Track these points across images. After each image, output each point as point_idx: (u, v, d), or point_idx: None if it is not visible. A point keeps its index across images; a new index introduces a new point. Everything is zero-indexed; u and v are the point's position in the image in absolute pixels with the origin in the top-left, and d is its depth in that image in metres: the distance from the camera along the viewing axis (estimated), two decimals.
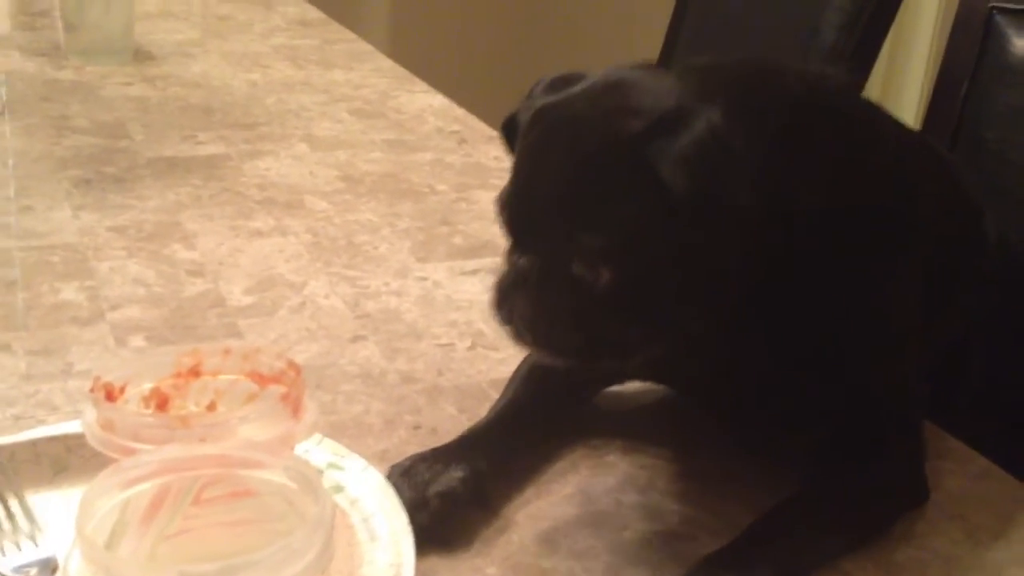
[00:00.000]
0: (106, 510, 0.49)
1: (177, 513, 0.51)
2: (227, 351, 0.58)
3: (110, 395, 0.55)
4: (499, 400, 0.71)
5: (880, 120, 0.69)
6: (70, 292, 0.85)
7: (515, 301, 0.59)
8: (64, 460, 0.60)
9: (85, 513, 0.47)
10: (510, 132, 0.63)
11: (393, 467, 0.63)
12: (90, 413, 0.53)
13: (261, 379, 0.57)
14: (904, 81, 2.37)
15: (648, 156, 0.53)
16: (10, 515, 0.56)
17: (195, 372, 0.58)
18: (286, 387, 0.55)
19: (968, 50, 1.11)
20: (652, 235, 0.55)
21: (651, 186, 0.53)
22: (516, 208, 0.59)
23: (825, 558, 0.59)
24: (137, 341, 0.79)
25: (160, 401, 0.57)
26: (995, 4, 1.08)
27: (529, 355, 0.72)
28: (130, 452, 0.51)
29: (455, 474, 0.61)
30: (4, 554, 0.54)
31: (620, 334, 0.58)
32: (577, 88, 0.60)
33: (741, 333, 0.60)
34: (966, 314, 0.76)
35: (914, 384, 0.67)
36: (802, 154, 0.58)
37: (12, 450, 0.60)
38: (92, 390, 0.54)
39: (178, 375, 0.57)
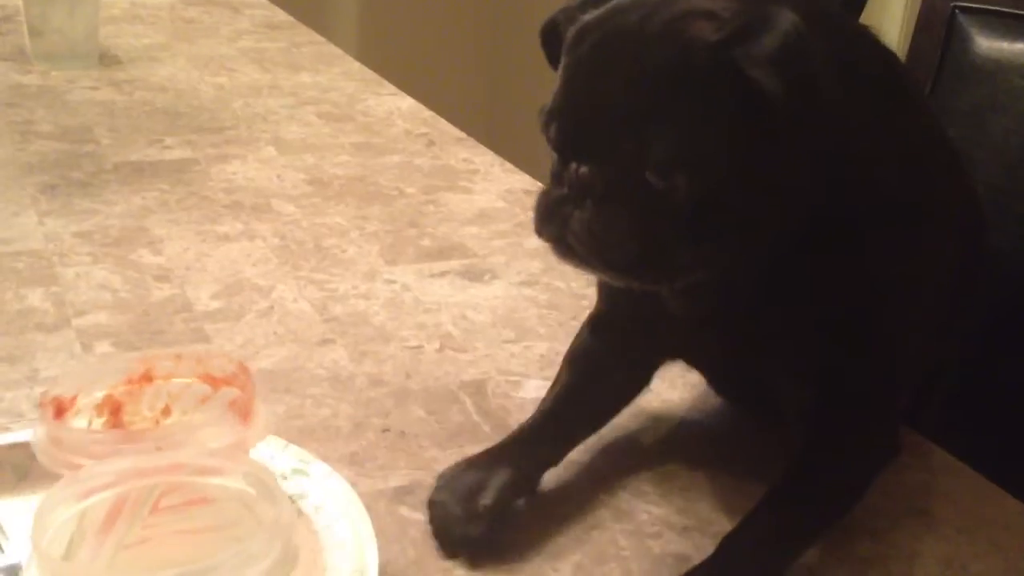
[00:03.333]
0: (63, 520, 0.48)
1: (135, 522, 0.50)
2: (179, 355, 0.57)
3: (61, 408, 0.54)
4: (544, 400, 0.69)
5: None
6: (35, 298, 0.84)
7: (571, 214, 0.56)
8: (27, 467, 0.60)
9: (41, 525, 0.46)
10: (550, 39, 0.60)
11: (439, 475, 0.62)
12: (40, 430, 0.53)
13: (214, 381, 0.56)
14: None
15: (734, 60, 0.52)
16: None
17: (147, 377, 0.57)
18: (238, 389, 0.55)
19: (931, 50, 1.12)
20: (732, 141, 0.54)
21: (736, 91, 0.52)
22: (573, 119, 0.56)
23: (809, 543, 0.60)
24: (104, 347, 0.78)
25: (113, 408, 0.56)
26: (957, 3, 1.09)
27: (568, 353, 0.71)
28: (78, 468, 0.51)
29: (499, 478, 0.61)
30: None
31: (683, 249, 0.56)
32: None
33: (783, 273, 0.60)
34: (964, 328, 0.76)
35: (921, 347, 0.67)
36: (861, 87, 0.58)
37: None
38: (41, 405, 0.54)
39: (130, 381, 0.56)
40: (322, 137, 1.27)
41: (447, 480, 0.62)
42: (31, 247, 0.93)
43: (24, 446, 0.59)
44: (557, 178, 0.58)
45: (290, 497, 0.57)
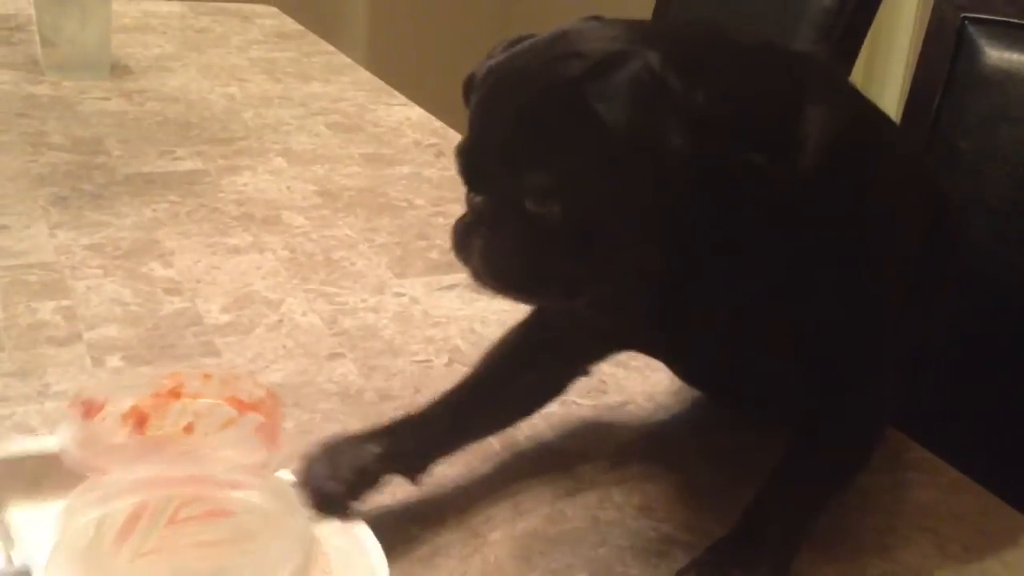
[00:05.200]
0: (79, 526, 0.49)
1: (153, 532, 0.51)
2: (207, 375, 0.58)
3: (89, 412, 0.56)
4: (453, 385, 0.70)
5: (845, 87, 0.69)
6: (47, 312, 0.85)
7: (473, 240, 0.61)
8: (40, 476, 0.60)
9: (65, 526, 0.47)
10: (468, 90, 0.65)
11: (314, 444, 0.64)
12: (67, 430, 0.54)
13: (240, 405, 0.57)
14: (881, 91, 2.39)
15: (586, 95, 0.56)
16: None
17: (175, 394, 0.58)
18: (263, 416, 0.55)
19: (941, 60, 1.12)
20: (595, 172, 0.57)
21: (591, 125, 0.56)
22: (470, 156, 0.62)
23: (818, 514, 0.63)
24: (114, 361, 0.79)
25: (138, 420, 0.57)
26: (967, 14, 1.09)
27: (496, 340, 0.73)
28: (103, 470, 0.52)
29: (373, 450, 0.64)
30: None
31: (570, 269, 0.60)
32: (526, 43, 0.63)
33: (686, 279, 0.62)
34: (933, 313, 0.78)
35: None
36: (747, 106, 0.59)
37: None
38: (71, 405, 0.55)
39: (158, 396, 0.58)
40: (332, 148, 1.28)
41: (324, 445, 0.64)
42: (42, 260, 0.94)
43: (38, 456, 0.60)
44: (466, 207, 0.63)
45: (308, 516, 0.58)
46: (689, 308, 0.63)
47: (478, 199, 0.62)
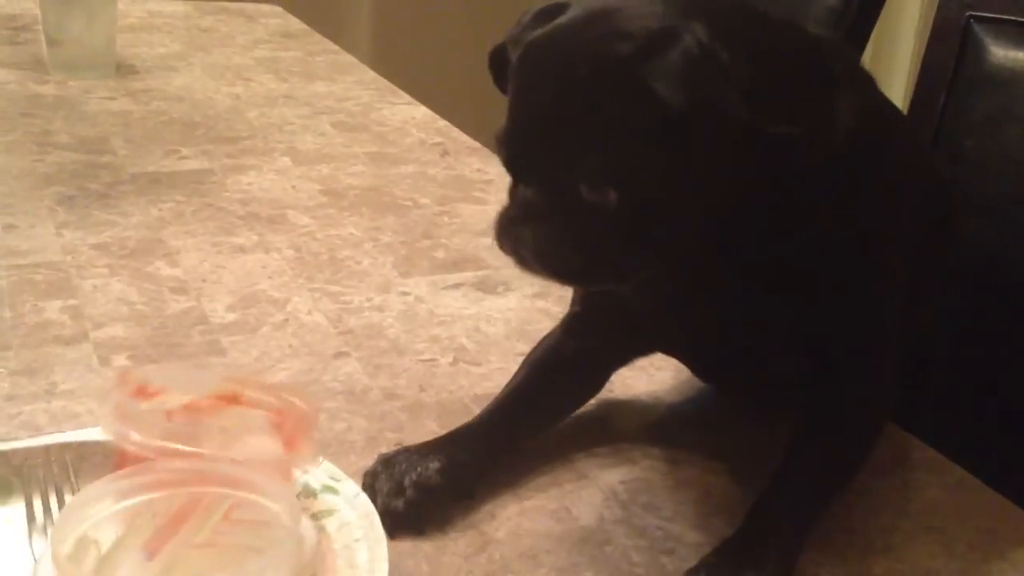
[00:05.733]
0: (115, 512, 0.50)
1: (208, 524, 0.52)
2: (268, 388, 0.59)
3: (142, 392, 0.57)
4: (501, 392, 0.73)
5: (865, 75, 0.70)
6: (53, 311, 0.85)
7: (521, 232, 0.60)
8: (75, 466, 0.61)
9: (67, 519, 0.48)
10: (498, 65, 0.64)
11: (379, 456, 0.66)
12: (110, 402, 0.55)
13: (281, 416, 0.58)
14: (885, 89, 2.38)
15: (642, 75, 0.55)
16: (47, 509, 0.58)
17: (234, 399, 0.58)
18: (292, 421, 0.56)
19: (945, 59, 1.12)
20: (652, 152, 0.56)
21: (647, 104, 0.55)
22: (515, 144, 0.61)
23: (823, 510, 0.63)
24: (121, 360, 0.79)
25: (192, 415, 0.58)
26: (972, 13, 1.09)
27: (533, 349, 0.75)
28: (137, 452, 0.53)
29: (433, 464, 0.65)
30: (32, 546, 0.56)
31: (624, 254, 0.59)
32: (562, 19, 0.61)
33: (737, 259, 0.62)
34: (933, 308, 0.78)
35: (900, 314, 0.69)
36: (787, 81, 0.59)
37: (25, 454, 0.61)
38: (119, 377, 0.56)
39: (218, 397, 0.58)
40: (336, 147, 1.28)
41: (384, 460, 0.66)
42: (49, 259, 0.94)
43: (76, 446, 0.62)
44: (511, 197, 0.62)
45: (315, 514, 0.58)
46: (715, 292, 0.64)
47: (527, 190, 0.60)
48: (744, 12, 0.61)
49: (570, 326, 0.74)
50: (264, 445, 0.56)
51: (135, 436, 0.54)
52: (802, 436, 0.66)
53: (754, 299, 0.65)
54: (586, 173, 0.57)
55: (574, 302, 0.75)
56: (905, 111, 1.16)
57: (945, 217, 0.78)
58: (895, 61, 2.36)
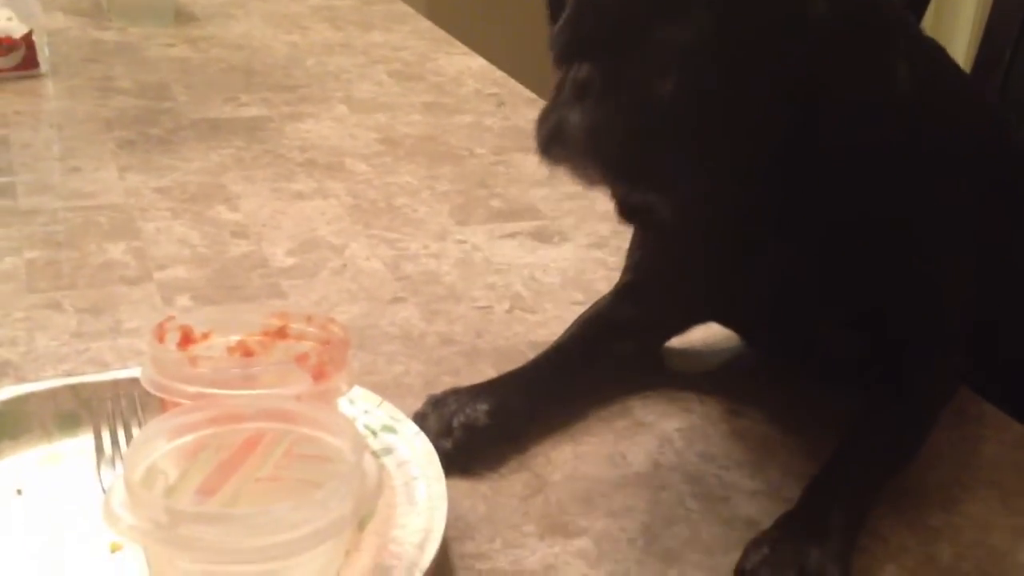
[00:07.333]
0: (180, 445, 0.51)
1: (270, 458, 0.53)
2: (310, 317, 0.60)
3: (188, 338, 0.58)
4: (550, 345, 0.73)
5: (931, 43, 0.69)
6: (117, 252, 0.86)
7: (570, 114, 0.56)
8: (142, 400, 0.62)
9: (132, 459, 0.49)
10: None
11: (428, 397, 0.67)
12: (152, 356, 0.56)
13: (326, 345, 0.58)
14: (950, 39, 2.33)
15: None
16: (115, 442, 0.60)
17: (282, 334, 0.60)
18: (323, 351, 0.56)
19: (1001, 50, 1.10)
20: (713, 45, 0.54)
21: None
22: (575, 25, 0.57)
23: (885, 486, 0.63)
24: (183, 301, 0.80)
25: (245, 353, 0.59)
26: None
27: (586, 311, 0.75)
28: (181, 398, 0.54)
29: (481, 407, 0.65)
30: (100, 477, 0.58)
31: (675, 152, 0.56)
32: None
33: (794, 226, 0.61)
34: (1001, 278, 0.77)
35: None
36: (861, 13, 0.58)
37: (94, 388, 0.63)
38: (156, 329, 0.57)
39: (266, 334, 0.59)
40: (393, 96, 1.28)
41: (434, 401, 0.66)
42: (113, 201, 0.95)
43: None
44: (558, 89, 0.58)
45: (375, 452, 0.59)
46: (771, 260, 0.63)
47: (582, 69, 0.55)
48: None
49: (622, 293, 0.74)
50: (289, 380, 0.56)
51: (168, 383, 0.55)
52: (865, 411, 0.65)
53: (810, 270, 0.64)
54: (646, 54, 0.54)
55: (627, 269, 0.75)
56: (972, 61, 1.14)
57: (1015, 186, 0.75)
58: (961, 8, 2.31)
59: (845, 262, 0.64)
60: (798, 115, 0.57)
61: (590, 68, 0.55)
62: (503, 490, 0.62)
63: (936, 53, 0.68)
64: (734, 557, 0.57)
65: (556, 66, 0.58)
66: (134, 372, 0.65)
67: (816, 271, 0.64)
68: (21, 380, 0.68)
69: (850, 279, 0.64)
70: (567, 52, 0.58)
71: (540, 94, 1.31)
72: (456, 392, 0.67)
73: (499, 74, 1.38)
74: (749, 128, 0.58)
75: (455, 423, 0.65)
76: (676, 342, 0.78)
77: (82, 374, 0.69)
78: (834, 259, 0.64)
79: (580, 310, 0.78)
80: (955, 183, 0.67)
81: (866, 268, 0.64)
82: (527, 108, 1.25)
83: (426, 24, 1.60)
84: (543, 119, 0.58)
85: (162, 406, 0.57)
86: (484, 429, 0.65)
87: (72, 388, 0.63)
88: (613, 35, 0.56)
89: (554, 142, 0.57)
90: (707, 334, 0.79)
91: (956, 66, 0.72)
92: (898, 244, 0.64)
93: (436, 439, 0.63)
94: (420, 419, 0.65)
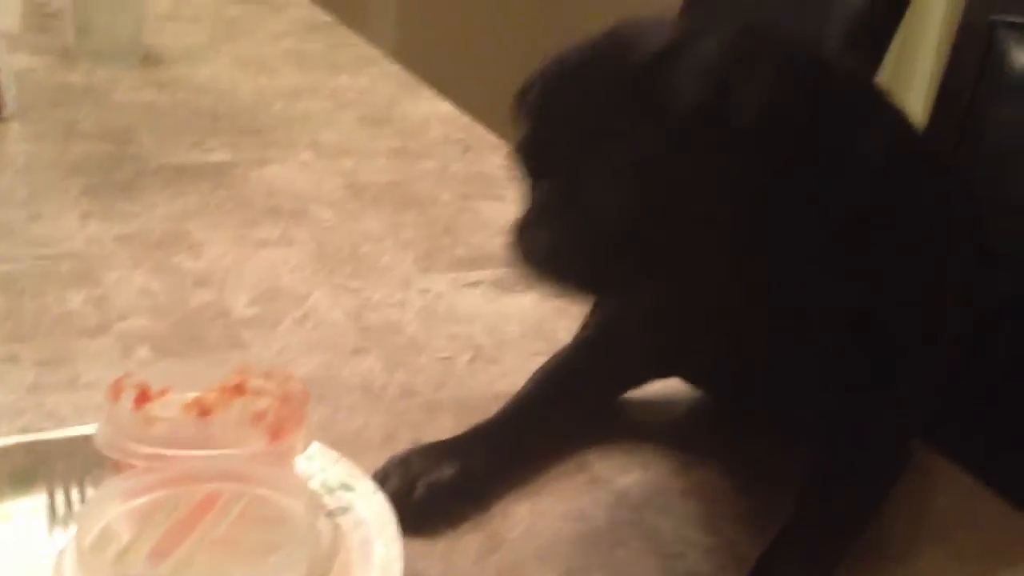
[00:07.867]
0: (134, 507, 0.51)
1: (225, 520, 0.53)
2: (269, 373, 0.60)
3: (145, 396, 0.58)
4: (511, 399, 0.73)
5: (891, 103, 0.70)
6: (77, 302, 0.86)
7: (537, 235, 0.61)
8: (98, 459, 0.61)
9: (85, 521, 0.49)
10: (521, 101, 0.65)
11: (390, 458, 0.67)
12: (108, 416, 0.56)
13: (285, 401, 0.58)
14: (907, 93, 2.37)
15: (656, 78, 0.56)
16: (69, 502, 0.59)
17: (240, 390, 0.59)
18: (281, 407, 0.56)
19: (970, 64, 1.11)
20: (667, 156, 0.57)
21: (661, 108, 0.56)
22: (531, 150, 0.62)
23: (838, 559, 0.62)
24: (143, 352, 0.80)
25: (203, 411, 0.58)
26: (996, 17, 1.09)
27: (546, 362, 0.76)
28: (138, 460, 0.54)
29: (447, 469, 0.65)
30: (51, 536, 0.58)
31: (631, 262, 0.59)
32: (578, 43, 0.62)
33: (757, 296, 0.62)
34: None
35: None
36: (801, 103, 0.59)
37: (49, 446, 0.63)
38: (112, 388, 0.57)
39: (223, 390, 0.59)
40: (359, 141, 1.29)
41: (397, 461, 0.66)
42: (73, 249, 0.95)
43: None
44: (526, 204, 0.63)
45: (331, 511, 0.59)
46: (733, 325, 0.64)
47: (542, 187, 0.61)
48: (757, 32, 0.61)
49: (582, 345, 0.76)
50: (246, 439, 0.56)
51: (127, 445, 0.55)
52: (822, 475, 0.65)
53: (775, 339, 0.64)
54: (600, 172, 0.58)
55: (587, 325, 0.76)
56: (928, 115, 1.16)
57: (980, 239, 0.76)
58: (918, 64, 2.35)
59: (810, 333, 0.64)
60: (759, 215, 0.59)
61: (545, 192, 0.60)
62: (459, 548, 0.62)
63: (901, 118, 0.69)
64: None
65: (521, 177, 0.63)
66: (90, 428, 0.65)
67: (782, 340, 0.65)
68: None
69: (819, 349, 0.65)
70: (527, 169, 0.62)
71: (506, 139, 1.32)
72: (419, 452, 0.67)
73: (466, 119, 1.39)
74: (708, 231, 0.59)
75: (418, 485, 0.64)
76: (635, 392, 0.78)
77: (38, 429, 0.69)
78: (802, 332, 0.64)
79: (541, 360, 0.79)
80: (933, 257, 0.67)
81: (836, 339, 0.64)
82: (493, 154, 1.26)
83: (394, 68, 1.61)
84: (516, 234, 0.62)
85: (117, 467, 0.56)
86: (448, 491, 0.65)
87: (26, 445, 0.63)
88: (567, 152, 0.60)
89: (527, 260, 0.61)
90: (666, 384, 0.79)
91: (919, 132, 0.73)
92: (869, 315, 0.64)
93: (397, 499, 0.62)
94: (382, 478, 0.65)
